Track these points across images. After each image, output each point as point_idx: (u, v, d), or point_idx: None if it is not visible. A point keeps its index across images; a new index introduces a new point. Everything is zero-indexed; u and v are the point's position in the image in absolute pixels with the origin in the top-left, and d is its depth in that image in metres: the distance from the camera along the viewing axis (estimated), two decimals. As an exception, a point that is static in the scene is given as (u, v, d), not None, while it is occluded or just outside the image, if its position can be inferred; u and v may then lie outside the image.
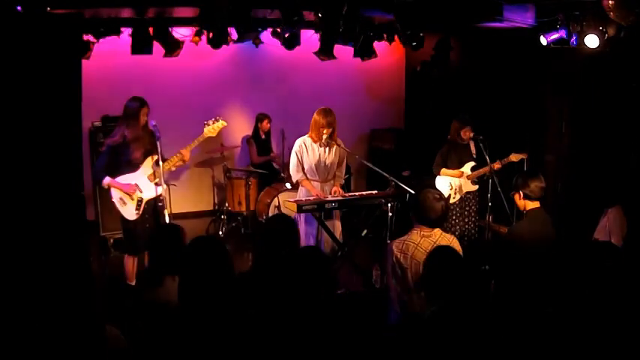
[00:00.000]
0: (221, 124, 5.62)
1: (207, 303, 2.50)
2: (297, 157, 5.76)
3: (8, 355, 2.47)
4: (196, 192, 8.80)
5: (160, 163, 5.30)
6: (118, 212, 5.43)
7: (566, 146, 6.74)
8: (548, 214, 4.35)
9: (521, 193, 4.27)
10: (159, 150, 5.39)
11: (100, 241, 7.15)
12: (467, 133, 6.36)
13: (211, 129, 5.57)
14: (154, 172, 5.38)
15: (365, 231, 6.25)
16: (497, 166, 6.19)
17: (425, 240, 3.70)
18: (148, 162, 5.39)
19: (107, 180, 5.25)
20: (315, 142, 5.73)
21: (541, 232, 4.19)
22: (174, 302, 2.78)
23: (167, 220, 5.25)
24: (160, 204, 5.35)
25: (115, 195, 5.34)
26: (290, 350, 2.60)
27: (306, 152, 5.75)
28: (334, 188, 5.79)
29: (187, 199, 8.61)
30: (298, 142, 5.80)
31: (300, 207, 5.55)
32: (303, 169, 5.78)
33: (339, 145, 5.77)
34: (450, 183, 6.56)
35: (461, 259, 3.03)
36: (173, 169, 5.59)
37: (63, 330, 2.41)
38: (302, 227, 5.76)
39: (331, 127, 5.63)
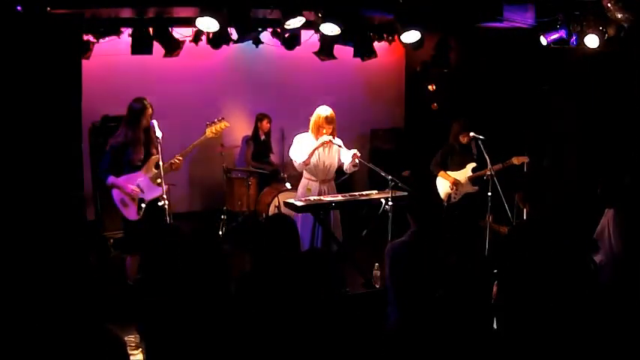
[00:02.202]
0: (224, 124, 5.61)
1: (204, 303, 2.49)
2: (300, 145, 5.70)
3: (8, 353, 2.47)
4: (196, 192, 8.79)
5: (161, 163, 5.31)
6: (119, 212, 5.43)
7: (567, 146, 6.74)
8: (549, 214, 4.34)
9: (521, 194, 4.27)
10: (159, 150, 5.40)
11: (100, 241, 7.14)
12: (465, 138, 6.36)
13: (213, 129, 5.57)
14: (156, 173, 5.38)
15: (365, 231, 6.25)
16: (497, 168, 6.19)
17: (421, 240, 3.69)
18: (150, 163, 5.40)
19: (111, 180, 5.25)
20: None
21: (542, 232, 4.19)
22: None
23: (168, 220, 5.24)
24: (159, 203, 5.35)
25: (117, 196, 5.34)
26: (290, 351, 2.59)
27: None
28: (354, 153, 5.64)
29: (187, 199, 8.61)
30: (300, 136, 5.77)
31: (300, 207, 5.55)
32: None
33: (339, 145, 5.76)
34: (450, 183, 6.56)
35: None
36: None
37: (62, 329, 2.41)
38: (299, 227, 5.76)
39: (331, 127, 5.63)
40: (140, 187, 5.34)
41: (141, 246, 5.39)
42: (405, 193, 5.61)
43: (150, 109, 5.31)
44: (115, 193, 5.32)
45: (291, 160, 5.87)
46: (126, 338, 2.64)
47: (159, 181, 5.32)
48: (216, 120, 5.61)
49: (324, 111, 5.64)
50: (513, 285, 4.06)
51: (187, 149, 5.46)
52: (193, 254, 2.64)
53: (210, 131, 5.55)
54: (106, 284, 5.87)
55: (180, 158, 5.43)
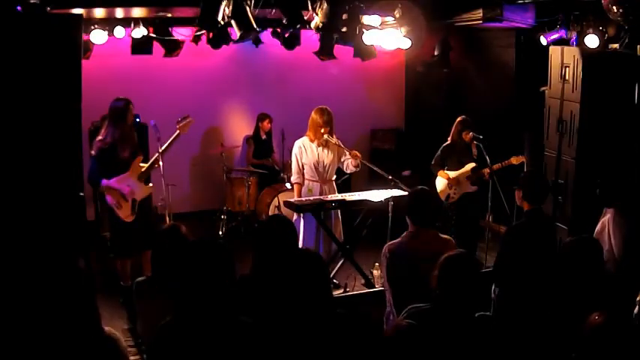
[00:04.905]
0: (189, 120, 5.70)
1: (206, 307, 2.48)
2: (297, 160, 5.77)
3: (6, 353, 2.47)
4: (196, 192, 8.80)
5: (161, 163, 5.39)
6: (110, 215, 5.47)
7: (566, 146, 6.73)
8: (549, 214, 4.35)
9: (521, 191, 4.26)
10: (159, 150, 5.45)
11: (100, 241, 7.14)
12: (467, 136, 6.36)
13: (182, 125, 5.65)
14: (142, 173, 5.47)
15: (365, 231, 6.25)
16: (497, 167, 6.19)
17: (419, 241, 3.69)
18: (136, 162, 5.44)
19: (105, 183, 5.27)
20: (312, 141, 5.73)
21: (539, 232, 4.19)
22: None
23: (167, 220, 5.29)
24: (160, 204, 5.41)
25: (111, 199, 5.37)
26: (289, 352, 2.59)
27: (305, 153, 5.76)
28: (354, 152, 5.72)
29: (187, 199, 8.61)
30: (297, 144, 5.80)
31: (300, 207, 5.56)
32: (302, 172, 5.79)
33: (339, 145, 5.77)
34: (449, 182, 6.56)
35: (477, 267, 2.91)
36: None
37: (61, 330, 2.41)
38: (301, 227, 5.77)
39: (329, 126, 5.64)
40: (131, 187, 5.39)
41: (134, 247, 5.47)
42: (405, 193, 5.61)
43: (132, 107, 5.37)
44: (109, 196, 5.34)
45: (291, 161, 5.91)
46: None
47: (144, 180, 5.45)
48: (182, 118, 5.69)
49: (320, 111, 5.66)
50: (512, 284, 4.06)
51: (165, 147, 5.51)
52: (197, 254, 2.63)
53: (180, 128, 5.62)
54: (104, 285, 5.87)
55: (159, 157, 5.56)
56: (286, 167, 7.88)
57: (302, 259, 2.75)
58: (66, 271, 2.49)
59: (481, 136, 6.18)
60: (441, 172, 6.54)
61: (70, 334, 2.41)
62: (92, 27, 6.85)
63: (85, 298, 2.47)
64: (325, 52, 7.44)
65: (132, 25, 7.07)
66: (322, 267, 2.78)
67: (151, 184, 5.63)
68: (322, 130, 5.62)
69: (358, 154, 5.69)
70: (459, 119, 6.55)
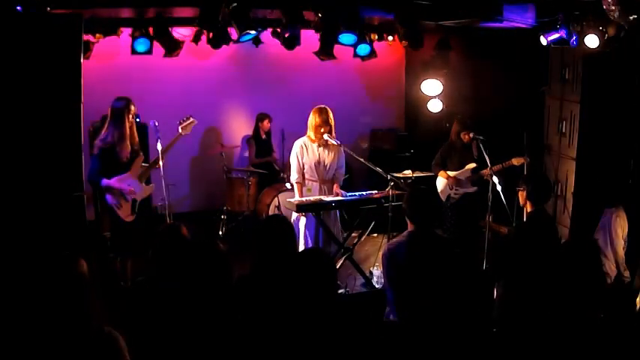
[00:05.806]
0: (192, 121, 5.69)
1: (205, 308, 2.49)
2: (297, 159, 5.76)
3: (6, 353, 2.47)
4: (196, 192, 8.79)
5: (161, 163, 5.37)
6: (111, 215, 5.47)
7: (566, 146, 6.74)
8: (550, 214, 4.34)
9: (525, 192, 4.26)
10: (159, 150, 5.45)
11: (100, 241, 7.13)
12: (466, 136, 6.36)
13: (185, 126, 5.64)
14: (142, 173, 5.47)
15: (363, 231, 6.25)
16: (497, 168, 6.18)
17: (419, 240, 3.68)
18: (137, 162, 5.44)
19: (105, 183, 5.27)
20: (313, 142, 5.73)
21: (542, 233, 4.19)
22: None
23: (168, 220, 5.28)
24: (158, 204, 5.40)
25: (111, 199, 5.37)
26: (290, 352, 2.59)
27: (306, 153, 5.75)
28: (335, 190, 5.79)
29: (187, 199, 8.61)
30: (297, 143, 5.80)
31: (300, 207, 5.55)
32: (303, 171, 5.79)
33: (339, 145, 5.76)
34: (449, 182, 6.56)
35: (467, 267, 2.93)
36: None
37: (60, 329, 2.41)
38: (301, 227, 5.77)
39: (328, 126, 5.64)
40: (132, 187, 5.39)
41: (134, 247, 5.47)
42: (404, 193, 5.61)
43: (132, 106, 5.36)
44: (109, 196, 5.34)
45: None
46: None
47: (145, 180, 5.45)
48: (185, 118, 5.67)
49: (319, 111, 5.65)
50: (514, 285, 4.06)
51: (166, 148, 5.51)
52: (194, 254, 2.63)
53: (182, 128, 5.62)
54: (104, 285, 5.87)
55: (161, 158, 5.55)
56: (286, 167, 7.88)
57: (311, 257, 2.75)
58: (65, 270, 2.49)
59: (481, 137, 6.17)
60: (441, 173, 6.54)
61: (70, 333, 2.41)
62: (92, 27, 6.83)
63: (85, 297, 2.47)
64: (325, 52, 7.45)
65: (132, 25, 7.07)
66: (331, 267, 2.79)
67: (151, 184, 5.64)
68: (322, 130, 5.61)
69: (339, 192, 5.78)
70: (455, 119, 6.56)
